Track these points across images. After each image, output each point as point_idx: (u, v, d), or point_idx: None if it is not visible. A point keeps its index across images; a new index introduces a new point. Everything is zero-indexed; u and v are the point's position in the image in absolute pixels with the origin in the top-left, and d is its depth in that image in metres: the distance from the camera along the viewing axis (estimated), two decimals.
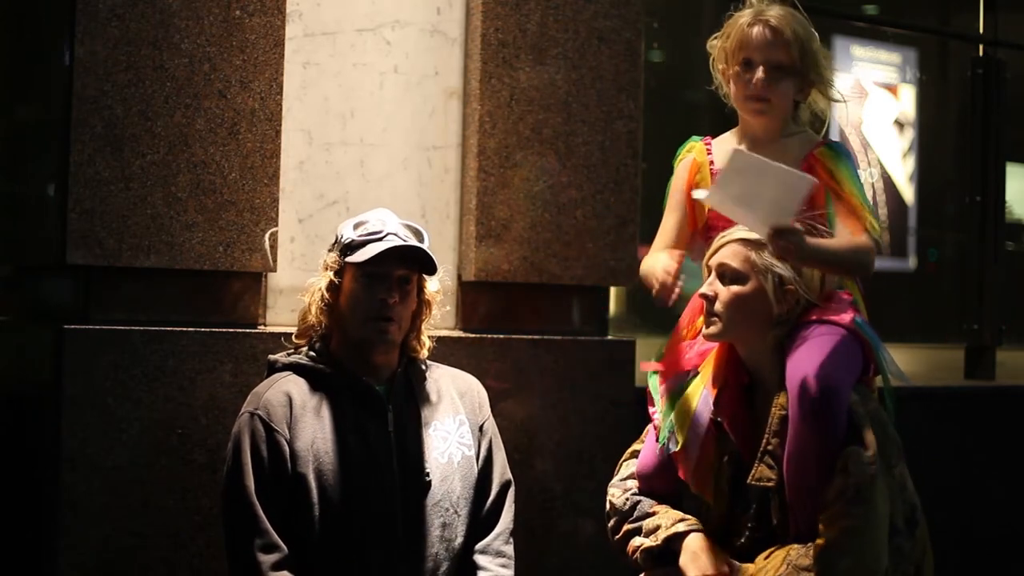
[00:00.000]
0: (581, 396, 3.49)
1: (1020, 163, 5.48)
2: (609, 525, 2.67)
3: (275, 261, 3.10)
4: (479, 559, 2.71)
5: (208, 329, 3.01)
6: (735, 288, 2.46)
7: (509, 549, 2.76)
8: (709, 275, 2.51)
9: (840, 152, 2.67)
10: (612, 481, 2.72)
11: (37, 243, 3.16)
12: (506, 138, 3.43)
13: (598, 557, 3.30)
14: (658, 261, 2.57)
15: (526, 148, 3.45)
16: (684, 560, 2.46)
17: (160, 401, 2.94)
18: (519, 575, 2.77)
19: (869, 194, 5.12)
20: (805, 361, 2.37)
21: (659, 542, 2.50)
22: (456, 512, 2.69)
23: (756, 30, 2.62)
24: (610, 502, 2.67)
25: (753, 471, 2.43)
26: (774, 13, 2.64)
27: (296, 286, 2.91)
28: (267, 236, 3.05)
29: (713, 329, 2.48)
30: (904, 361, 2.63)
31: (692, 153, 2.77)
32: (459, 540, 2.69)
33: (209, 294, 3.07)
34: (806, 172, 2.47)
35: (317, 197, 3.27)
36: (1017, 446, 4.58)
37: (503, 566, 2.72)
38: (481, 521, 2.75)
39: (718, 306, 2.46)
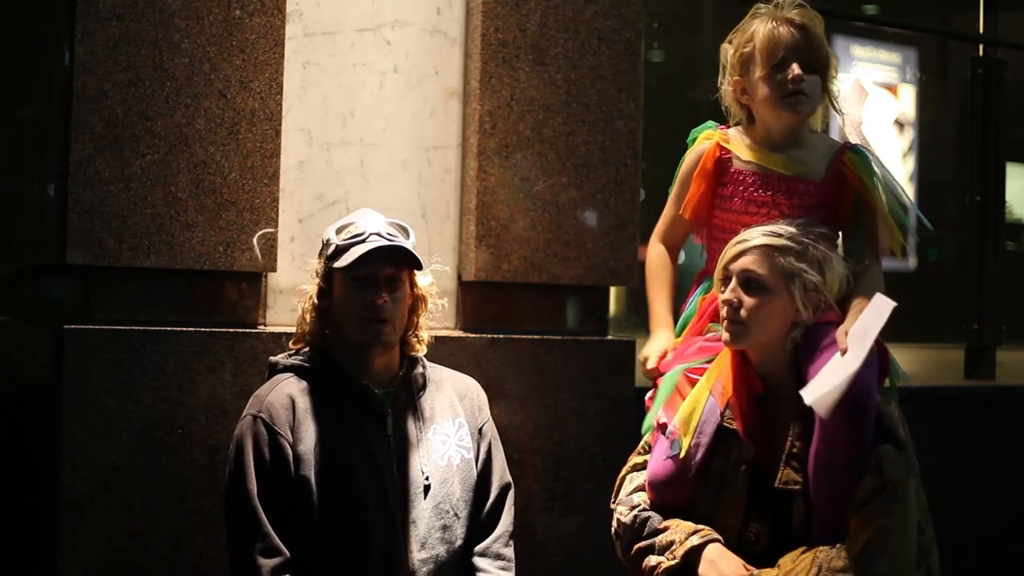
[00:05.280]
0: (581, 396, 3.49)
1: (1020, 163, 5.48)
2: (619, 544, 2.60)
3: (275, 261, 3.10)
4: (478, 562, 2.71)
5: (208, 329, 3.01)
6: (763, 295, 2.41)
7: (509, 552, 2.75)
8: (726, 280, 2.47)
9: (865, 157, 2.64)
10: (617, 498, 2.65)
11: (37, 243, 3.16)
12: (506, 138, 3.43)
13: (597, 557, 3.30)
14: (655, 344, 2.70)
15: (526, 148, 3.45)
16: (703, 571, 2.42)
17: (160, 401, 2.94)
18: (519, 575, 2.77)
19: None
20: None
21: (677, 559, 2.44)
22: (456, 515, 2.68)
23: (785, 29, 2.56)
24: (617, 520, 2.59)
25: (779, 475, 2.42)
26: (798, 13, 2.59)
27: (296, 286, 2.91)
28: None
29: (737, 336, 2.44)
30: (904, 361, 2.63)
31: (710, 142, 2.68)
32: (459, 543, 2.69)
33: (209, 294, 3.07)
34: (835, 178, 2.59)
35: (317, 197, 3.27)
36: (1017, 446, 4.58)
37: (503, 568, 2.72)
38: (481, 523, 2.74)
39: (744, 314, 2.41)
